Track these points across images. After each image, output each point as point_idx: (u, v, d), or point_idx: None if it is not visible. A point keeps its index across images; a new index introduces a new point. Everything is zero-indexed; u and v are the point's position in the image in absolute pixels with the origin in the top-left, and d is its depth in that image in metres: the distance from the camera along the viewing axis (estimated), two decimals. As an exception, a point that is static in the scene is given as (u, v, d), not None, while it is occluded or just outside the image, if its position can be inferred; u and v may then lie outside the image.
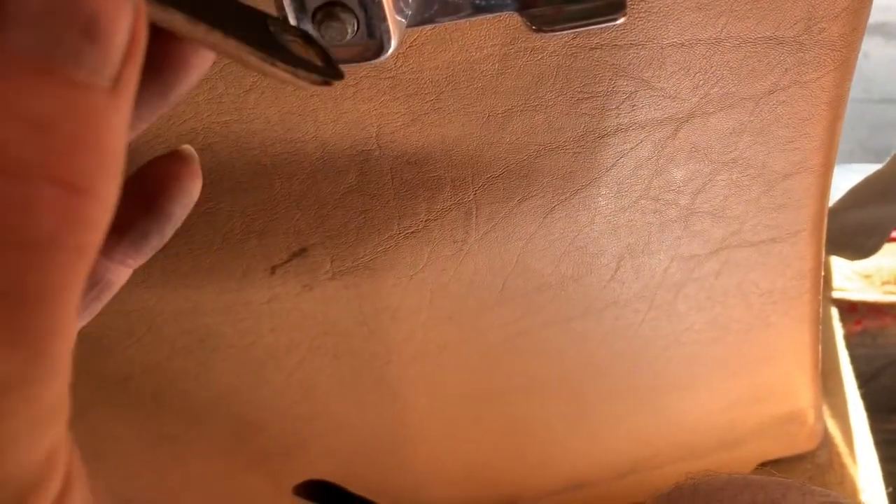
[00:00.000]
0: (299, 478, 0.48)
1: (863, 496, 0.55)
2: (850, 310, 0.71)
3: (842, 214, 0.53)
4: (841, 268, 0.69)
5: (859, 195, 0.51)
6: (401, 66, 0.26)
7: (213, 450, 0.44)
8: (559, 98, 0.26)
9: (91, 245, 0.12)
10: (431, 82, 0.26)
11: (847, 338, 0.71)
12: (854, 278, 0.70)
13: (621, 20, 0.22)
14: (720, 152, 0.29)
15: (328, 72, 0.18)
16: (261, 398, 0.40)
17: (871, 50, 2.00)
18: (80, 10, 0.12)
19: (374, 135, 0.28)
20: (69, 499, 0.14)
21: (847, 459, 0.55)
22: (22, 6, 0.11)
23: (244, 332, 0.35)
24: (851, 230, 0.55)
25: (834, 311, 0.67)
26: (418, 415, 0.42)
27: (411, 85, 0.26)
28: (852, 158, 1.64)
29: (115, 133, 0.13)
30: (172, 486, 0.47)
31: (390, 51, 0.22)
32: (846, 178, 0.67)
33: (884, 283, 0.70)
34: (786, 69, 0.26)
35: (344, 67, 0.20)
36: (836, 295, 0.69)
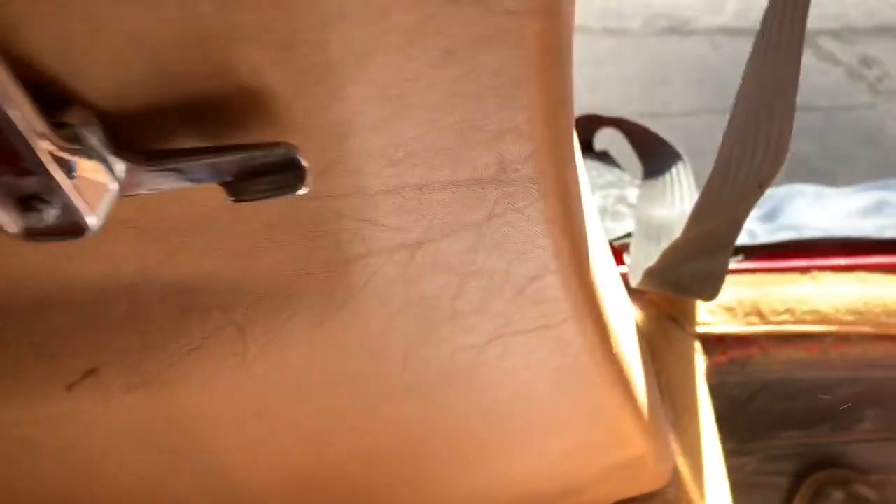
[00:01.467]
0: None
1: (711, 529, 0.58)
2: (716, 341, 0.74)
3: (671, 269, 0.57)
4: (704, 302, 0.73)
5: (682, 253, 0.54)
6: (140, 216, 0.28)
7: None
8: (294, 237, 0.29)
9: None
10: (173, 229, 0.29)
11: (716, 367, 0.75)
12: (717, 312, 0.73)
13: (304, 190, 0.25)
14: (462, 266, 0.32)
15: None
16: (96, 491, 0.42)
17: (785, 60, 2.06)
18: None
19: (136, 269, 0.30)
20: None
21: (694, 495, 0.59)
22: None
23: (58, 439, 0.37)
24: (687, 280, 0.58)
25: (697, 346, 0.71)
26: (256, 491, 0.45)
27: (155, 231, 0.29)
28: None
29: None
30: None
31: (95, 227, 0.24)
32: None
33: (746, 315, 0.73)
34: (496, 200, 0.29)
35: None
36: (700, 330, 0.72)
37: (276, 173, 0.25)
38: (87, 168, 0.23)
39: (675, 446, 0.61)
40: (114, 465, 0.40)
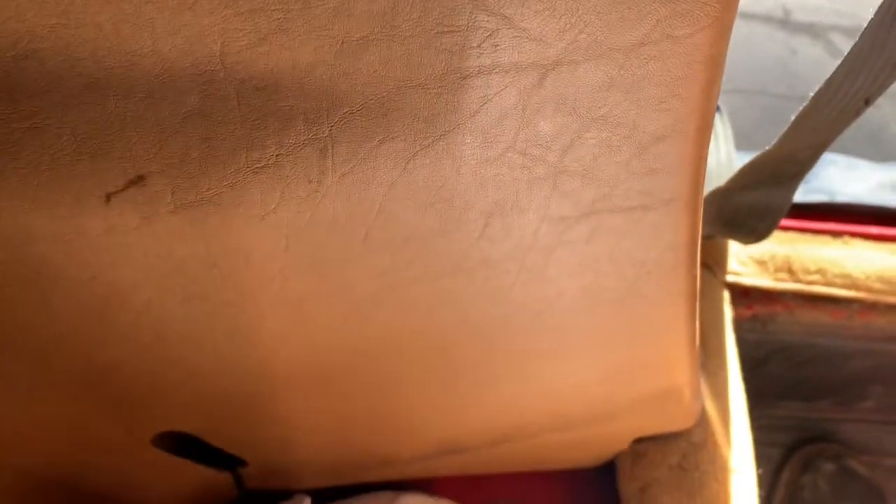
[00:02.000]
0: (156, 427, 0.46)
1: (734, 476, 0.55)
2: (742, 294, 0.72)
3: (735, 195, 0.53)
4: (736, 252, 0.70)
5: (750, 176, 0.51)
6: (243, -23, 0.23)
7: (60, 392, 0.41)
8: (417, 29, 0.25)
9: None
10: (280, 1, 0.24)
11: (738, 322, 0.72)
12: (749, 263, 0.70)
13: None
14: (589, 107, 0.28)
15: None
16: (108, 340, 0.37)
17: (798, 48, 2.04)
18: None
19: (218, 53, 0.25)
20: None
21: (721, 439, 0.56)
22: None
23: (82, 265, 0.32)
24: (744, 212, 0.55)
25: (726, 294, 0.68)
26: (281, 367, 0.40)
27: (259, 1, 0.24)
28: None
29: None
30: (17, 430, 0.44)
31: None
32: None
33: (776, 271, 0.71)
34: (657, 20, 0.25)
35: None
36: (729, 279, 0.69)
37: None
38: None
39: (703, 388, 0.58)
40: (135, 310, 0.35)
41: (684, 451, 0.56)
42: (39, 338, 0.37)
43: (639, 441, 0.57)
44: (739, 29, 2.20)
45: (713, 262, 0.69)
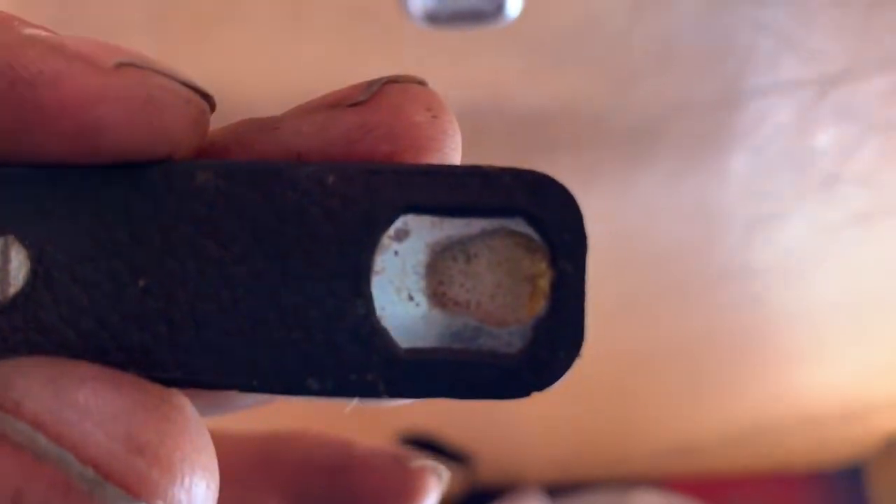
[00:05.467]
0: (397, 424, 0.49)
1: None
2: None
3: None
4: None
5: None
6: (523, 19, 0.24)
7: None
8: (694, 54, 0.24)
9: None
10: (555, 38, 0.25)
11: None
12: None
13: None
14: (871, 115, 0.27)
15: None
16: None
17: None
18: None
19: (492, 93, 0.27)
20: None
21: None
22: None
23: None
24: None
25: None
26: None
27: (534, 40, 0.25)
28: None
29: None
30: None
31: (516, 14, 0.21)
32: None
33: None
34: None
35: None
36: None
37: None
38: None
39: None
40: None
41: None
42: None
43: (892, 441, 0.53)
44: None
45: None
